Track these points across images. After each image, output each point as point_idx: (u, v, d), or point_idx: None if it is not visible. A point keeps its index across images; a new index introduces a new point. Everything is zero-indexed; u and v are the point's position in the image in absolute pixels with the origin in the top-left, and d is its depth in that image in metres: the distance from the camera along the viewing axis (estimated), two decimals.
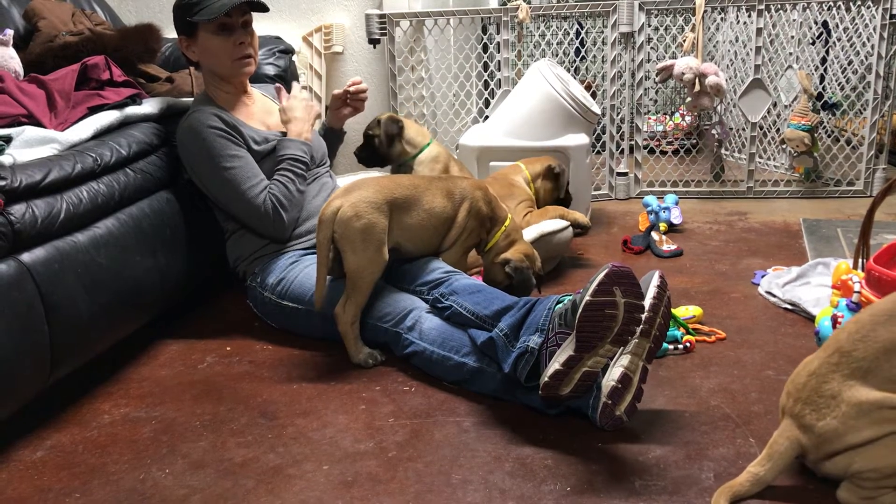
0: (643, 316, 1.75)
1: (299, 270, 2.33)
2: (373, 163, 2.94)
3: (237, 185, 2.32)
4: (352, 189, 2.18)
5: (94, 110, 2.31)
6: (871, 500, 1.48)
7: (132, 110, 2.39)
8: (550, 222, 2.75)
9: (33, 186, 1.86)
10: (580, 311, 1.71)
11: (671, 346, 2.17)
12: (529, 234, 2.62)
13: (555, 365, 1.74)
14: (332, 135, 2.81)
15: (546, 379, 1.75)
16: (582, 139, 3.20)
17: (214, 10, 2.31)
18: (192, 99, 2.62)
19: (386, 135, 2.87)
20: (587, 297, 1.71)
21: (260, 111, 2.53)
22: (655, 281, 1.82)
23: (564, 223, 2.78)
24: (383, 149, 2.89)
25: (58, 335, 1.87)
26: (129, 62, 2.69)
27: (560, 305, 1.84)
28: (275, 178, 2.41)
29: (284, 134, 2.49)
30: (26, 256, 1.81)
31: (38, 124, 2.18)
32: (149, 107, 2.46)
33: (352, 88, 2.70)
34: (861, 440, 1.46)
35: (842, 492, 1.51)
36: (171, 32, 3.51)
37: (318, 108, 2.65)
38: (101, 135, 2.25)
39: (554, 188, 3.00)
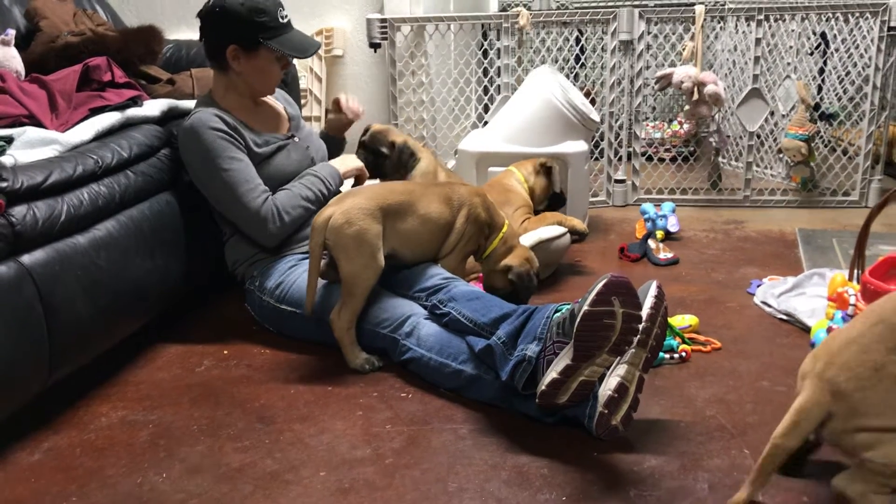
0: (640, 326, 1.76)
1: (298, 275, 2.33)
2: (373, 173, 2.81)
3: (235, 186, 2.32)
4: (345, 197, 2.19)
5: (95, 112, 2.31)
6: (868, 495, 1.46)
7: (133, 112, 2.40)
8: (548, 228, 2.77)
9: (34, 188, 1.86)
10: (578, 320, 1.72)
11: (667, 356, 2.18)
12: (527, 240, 2.63)
13: (552, 374, 1.75)
14: (333, 142, 2.83)
15: (543, 387, 1.76)
16: (581, 146, 3.21)
17: (295, 46, 2.39)
18: (192, 101, 2.63)
19: (399, 163, 2.77)
20: (585, 307, 1.72)
21: (264, 114, 2.54)
22: (653, 291, 1.83)
23: (562, 229, 2.79)
24: (388, 170, 2.78)
25: (57, 337, 1.87)
26: (130, 63, 2.70)
27: (558, 314, 1.84)
28: (289, 186, 2.42)
29: (288, 137, 2.51)
30: (26, 258, 1.81)
31: (40, 125, 2.19)
32: (150, 108, 2.47)
33: (352, 116, 2.80)
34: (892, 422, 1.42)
35: (840, 481, 1.49)
36: (172, 34, 3.52)
37: (363, 174, 2.67)
38: (102, 136, 2.25)
39: (548, 184, 3.00)
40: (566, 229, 2.82)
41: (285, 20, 2.39)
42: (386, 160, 2.77)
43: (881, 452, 1.44)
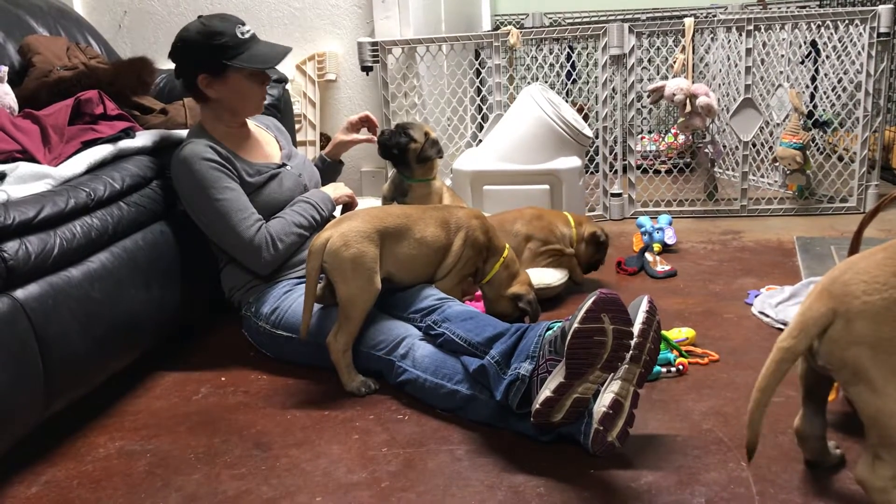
0: (632, 342, 1.76)
1: (293, 300, 2.34)
2: (390, 153, 2.76)
3: (228, 216, 2.34)
4: (342, 220, 2.20)
5: (87, 144, 2.33)
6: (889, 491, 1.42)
7: (126, 144, 2.41)
8: (552, 274, 2.76)
9: (27, 223, 1.87)
10: (569, 338, 1.72)
11: (664, 369, 2.17)
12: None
13: (546, 392, 1.75)
14: (332, 167, 2.85)
15: (537, 406, 1.76)
16: (574, 162, 3.22)
17: (259, 59, 2.37)
18: (185, 131, 2.65)
19: (426, 154, 2.73)
20: (575, 325, 1.72)
21: (255, 143, 2.55)
22: (644, 306, 1.83)
23: (564, 278, 2.79)
24: (413, 158, 2.73)
25: (52, 370, 1.88)
26: (122, 95, 2.72)
27: (550, 332, 1.85)
28: (282, 214, 2.43)
29: (280, 166, 2.52)
30: (20, 293, 1.82)
31: (33, 160, 2.21)
32: (142, 140, 2.48)
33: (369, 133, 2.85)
34: (892, 336, 1.38)
35: (862, 470, 1.46)
36: (164, 64, 3.55)
37: (354, 201, 2.67)
38: (94, 169, 2.26)
39: (595, 253, 2.89)
40: (567, 277, 2.82)
41: (247, 35, 2.38)
42: (412, 143, 2.72)
43: (865, 401, 1.39)
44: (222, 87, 2.39)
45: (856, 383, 1.43)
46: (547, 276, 2.73)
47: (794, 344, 1.46)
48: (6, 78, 2.54)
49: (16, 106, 2.53)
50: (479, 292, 2.53)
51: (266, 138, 2.61)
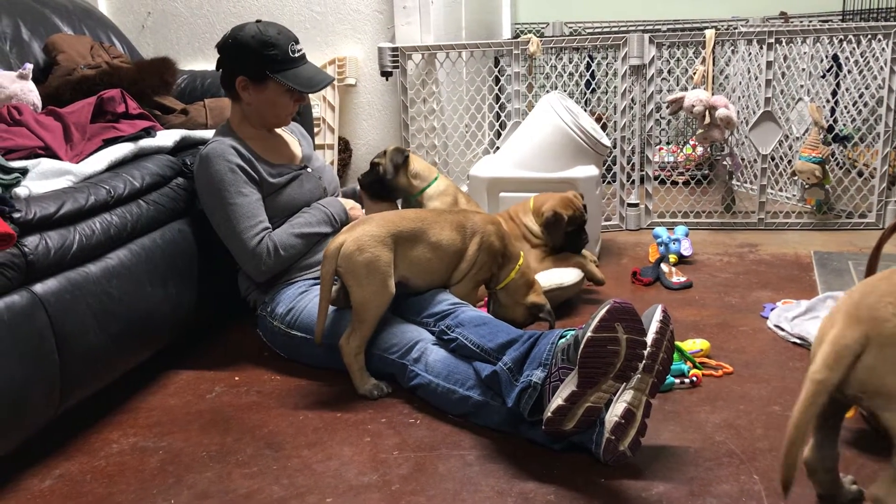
0: (646, 352, 1.75)
1: (308, 300, 2.35)
2: (376, 193, 2.80)
3: (236, 221, 2.35)
4: (357, 224, 2.21)
5: (109, 142, 2.35)
6: None
7: (146, 142, 2.44)
8: (568, 273, 2.75)
9: (47, 218, 1.90)
10: (582, 347, 1.71)
11: (677, 380, 2.16)
12: (544, 282, 2.61)
13: (558, 400, 1.75)
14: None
15: (549, 414, 1.76)
16: (591, 171, 3.22)
17: (301, 81, 2.41)
18: (205, 131, 2.67)
19: (392, 164, 2.76)
20: (589, 334, 1.71)
21: (278, 144, 2.58)
22: (658, 315, 1.83)
23: (580, 276, 2.78)
24: (388, 179, 2.77)
25: (68, 365, 1.89)
26: (144, 94, 2.75)
27: (563, 340, 1.84)
28: (293, 221, 2.45)
29: (301, 168, 2.54)
30: (38, 287, 1.84)
31: (55, 156, 2.23)
32: (163, 139, 2.51)
33: None
34: None
35: (880, 488, 1.43)
36: (187, 65, 3.59)
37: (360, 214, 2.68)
38: (115, 167, 2.29)
39: (555, 237, 2.83)
40: (584, 275, 2.80)
41: (297, 54, 2.43)
42: (380, 167, 2.79)
43: None
44: (257, 94, 2.42)
45: (892, 409, 1.40)
46: (558, 277, 2.72)
47: (830, 376, 1.42)
48: (31, 75, 2.57)
49: (39, 103, 2.56)
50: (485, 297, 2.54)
51: (289, 140, 2.63)
